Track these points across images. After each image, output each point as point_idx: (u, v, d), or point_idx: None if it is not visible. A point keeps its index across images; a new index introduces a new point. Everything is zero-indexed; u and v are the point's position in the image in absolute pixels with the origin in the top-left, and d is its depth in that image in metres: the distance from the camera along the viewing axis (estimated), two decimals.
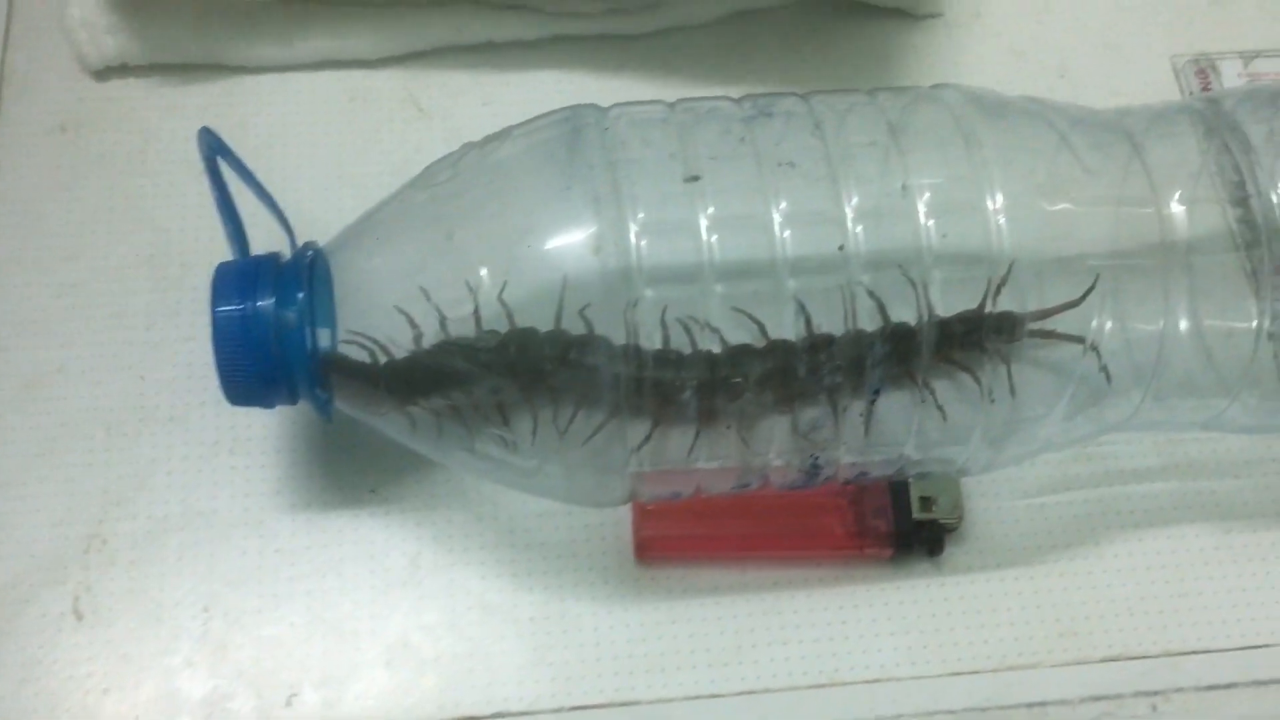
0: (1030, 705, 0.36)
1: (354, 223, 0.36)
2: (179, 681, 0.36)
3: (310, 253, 0.35)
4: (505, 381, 0.33)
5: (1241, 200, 0.37)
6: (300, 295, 0.34)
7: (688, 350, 0.33)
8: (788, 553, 0.39)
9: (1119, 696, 0.37)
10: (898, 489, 0.38)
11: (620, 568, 0.38)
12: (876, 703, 0.36)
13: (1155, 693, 0.37)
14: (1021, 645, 0.37)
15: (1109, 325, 0.35)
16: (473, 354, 0.33)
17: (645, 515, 0.38)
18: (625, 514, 0.38)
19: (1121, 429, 0.37)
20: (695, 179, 0.33)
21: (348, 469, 0.39)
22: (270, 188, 0.38)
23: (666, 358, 0.33)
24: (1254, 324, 0.36)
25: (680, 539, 0.39)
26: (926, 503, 0.38)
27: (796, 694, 0.36)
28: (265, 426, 0.39)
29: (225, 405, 0.35)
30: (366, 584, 0.37)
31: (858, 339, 0.33)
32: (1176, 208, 0.35)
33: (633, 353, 0.33)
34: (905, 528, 0.38)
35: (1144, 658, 0.37)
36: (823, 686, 0.37)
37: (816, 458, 0.35)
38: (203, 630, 0.37)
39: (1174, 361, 0.36)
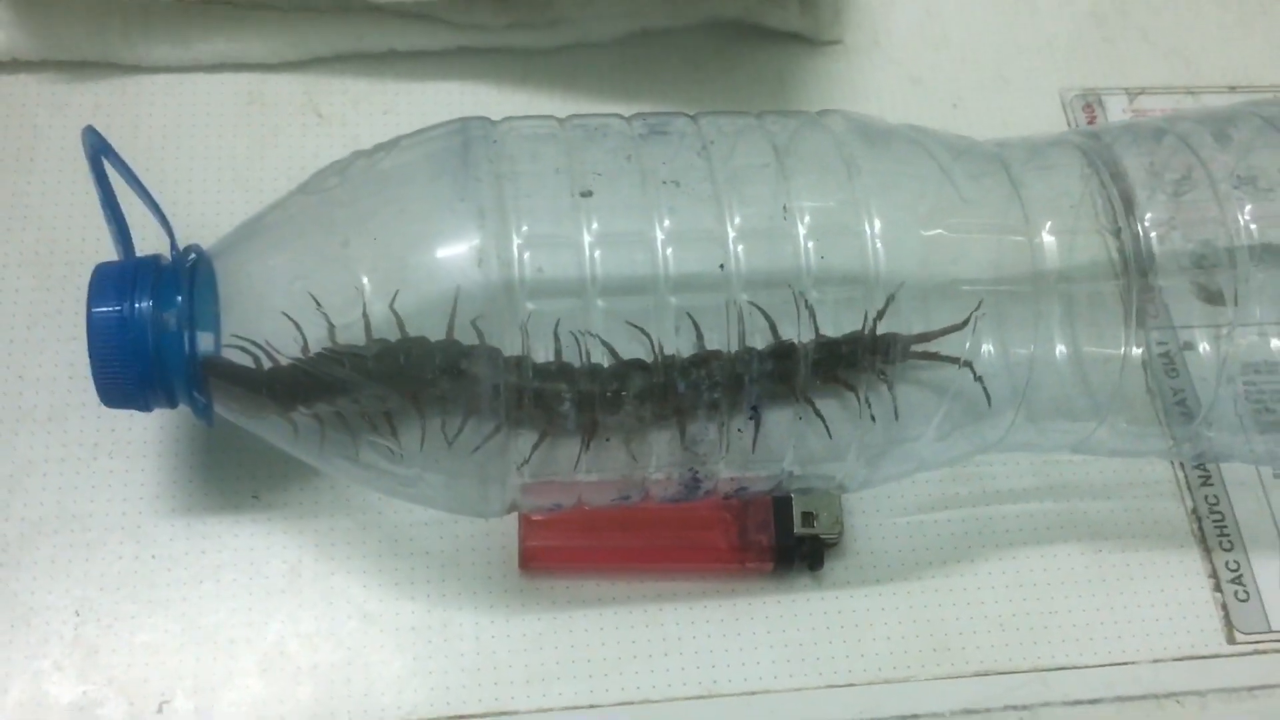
0: (903, 718, 0.37)
1: (240, 226, 0.36)
2: (47, 686, 0.35)
3: (193, 255, 0.35)
4: (392, 390, 0.33)
5: (1116, 231, 0.39)
6: (179, 298, 0.34)
7: (578, 364, 0.33)
8: (671, 565, 0.39)
9: (988, 710, 0.38)
10: (780, 504, 0.38)
11: (504, 578, 0.38)
12: (754, 714, 0.37)
13: (1024, 707, 0.38)
14: (896, 659, 0.38)
15: (990, 349, 0.36)
16: (360, 361, 0.33)
17: (531, 526, 0.38)
18: (510, 525, 0.38)
19: (997, 449, 0.38)
20: (588, 194, 0.34)
21: (229, 474, 0.39)
22: (162, 189, 0.37)
23: (549, 370, 0.33)
24: (1122, 350, 0.37)
25: (565, 550, 0.39)
26: (808, 518, 0.38)
27: (675, 705, 0.37)
28: (146, 429, 0.39)
29: (106, 407, 0.34)
30: (244, 591, 0.37)
31: (739, 356, 0.34)
32: (1048, 237, 0.36)
33: (516, 365, 0.33)
34: (787, 542, 0.38)
35: (1014, 672, 0.38)
36: (702, 698, 0.37)
37: (696, 471, 0.35)
38: (74, 635, 0.36)
39: (1046, 384, 0.37)
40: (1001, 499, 0.41)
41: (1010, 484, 0.41)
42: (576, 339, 0.33)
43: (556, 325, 0.33)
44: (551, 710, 0.36)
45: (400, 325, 0.33)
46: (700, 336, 0.33)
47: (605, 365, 0.33)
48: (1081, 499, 0.41)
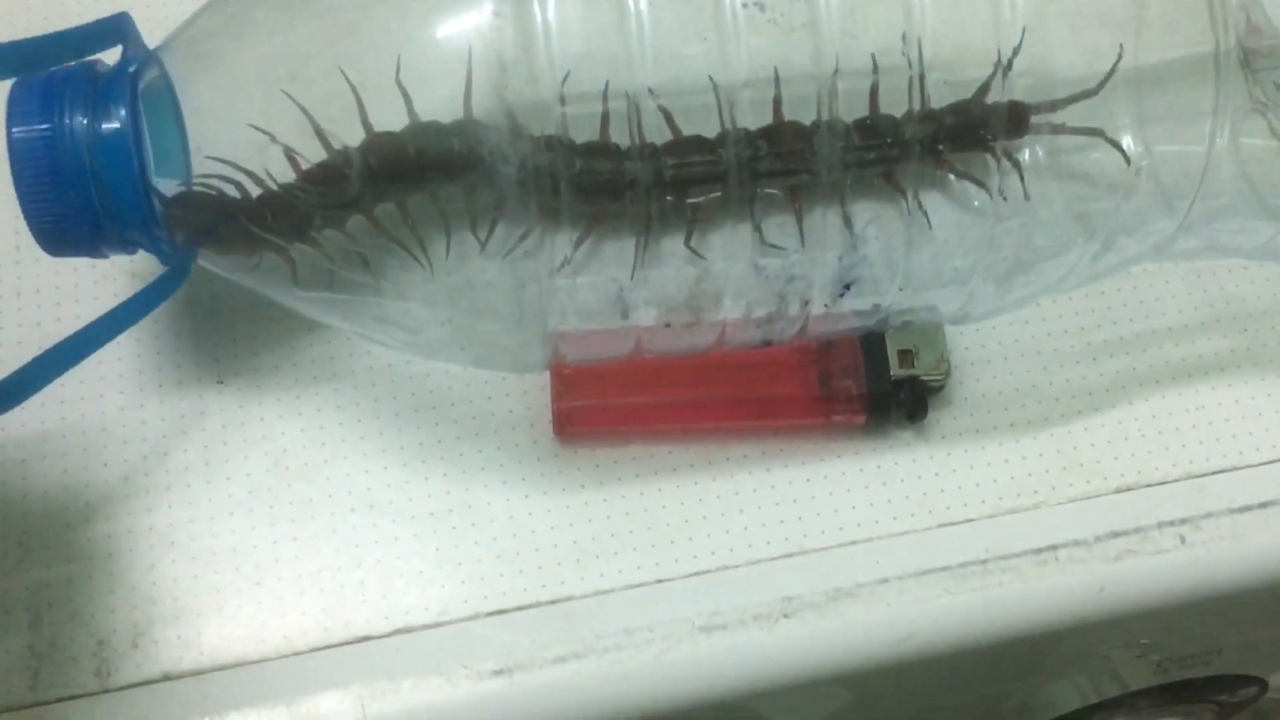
0: (1038, 550, 0.30)
1: (194, 17, 0.29)
2: None
3: (138, 58, 0.28)
4: (404, 191, 0.27)
5: None
6: (122, 110, 0.27)
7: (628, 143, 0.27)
8: (737, 424, 0.32)
9: (1140, 530, 0.31)
10: (870, 342, 0.31)
11: (536, 446, 0.31)
12: (857, 567, 0.30)
13: (1181, 521, 0.31)
14: (1020, 485, 0.31)
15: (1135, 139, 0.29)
16: (364, 162, 0.27)
17: (565, 383, 0.31)
18: (539, 388, 0.32)
19: (1151, 259, 0.31)
20: None
21: (188, 360, 0.32)
22: None
23: (592, 148, 0.27)
24: None
25: (607, 410, 0.32)
26: (905, 357, 0.31)
27: (759, 568, 0.30)
28: (79, 320, 0.32)
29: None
30: (221, 494, 0.30)
31: (827, 127, 0.27)
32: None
33: (551, 145, 0.26)
34: (881, 389, 0.31)
35: (1163, 483, 0.31)
36: (791, 556, 0.30)
37: (783, 298, 0.29)
38: (19, 563, 0.29)
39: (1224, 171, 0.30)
40: (1135, 305, 0.34)
41: (1147, 293, 0.34)
42: (632, 106, 0.27)
43: (605, 88, 0.26)
44: (612, 590, 0.30)
45: (409, 105, 0.27)
46: (779, 105, 0.27)
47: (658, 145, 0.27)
48: (1223, 291, 0.34)
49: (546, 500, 0.31)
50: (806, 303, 0.29)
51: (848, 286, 0.29)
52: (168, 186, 0.28)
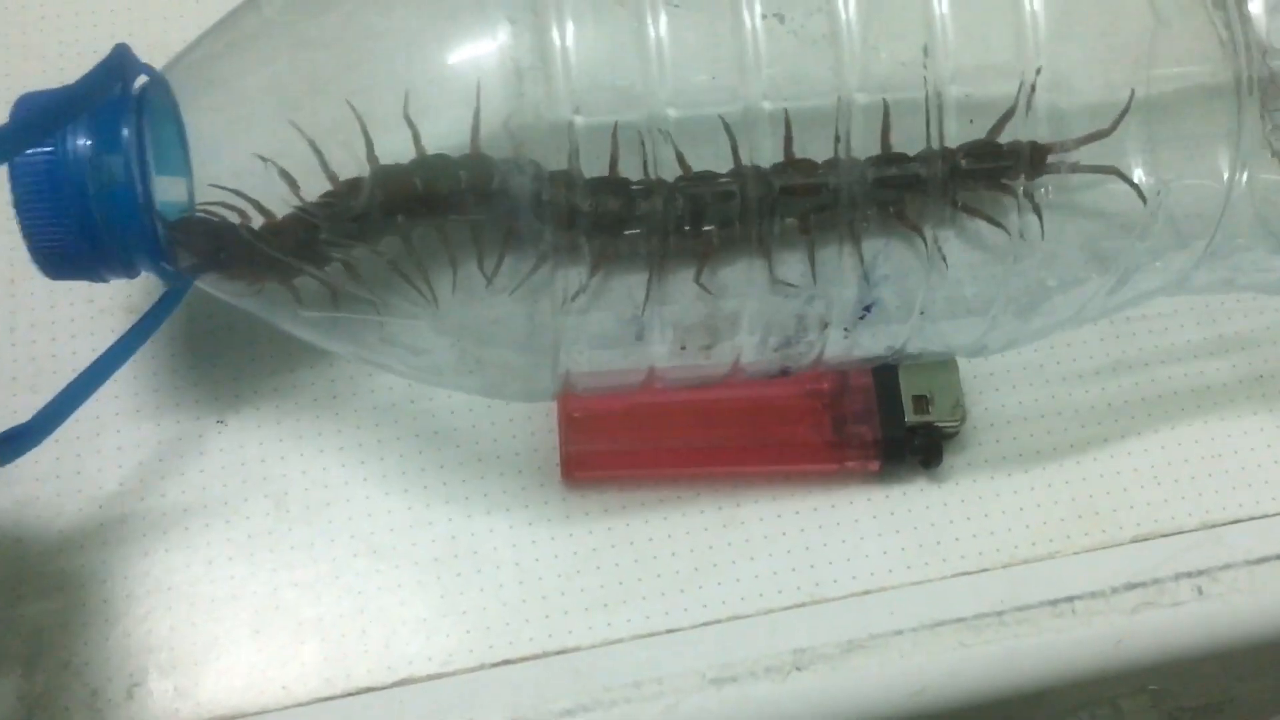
0: (1054, 602, 0.30)
1: (202, 39, 0.28)
2: None
3: (144, 78, 0.27)
4: (411, 222, 0.27)
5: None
6: (125, 131, 0.26)
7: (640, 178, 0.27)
8: (749, 469, 0.32)
9: (1157, 582, 0.30)
10: (884, 387, 0.31)
11: (544, 490, 0.31)
12: (870, 617, 0.29)
13: (1199, 572, 0.30)
14: (1035, 534, 0.31)
15: (1168, 167, 0.29)
16: (370, 194, 0.26)
17: (574, 426, 0.31)
18: (547, 427, 0.31)
19: (1168, 293, 0.31)
20: None
21: (186, 399, 0.31)
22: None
23: (602, 184, 0.26)
24: None
25: (616, 454, 0.31)
26: (920, 403, 0.31)
27: (771, 618, 0.29)
28: (76, 355, 0.31)
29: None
30: (220, 538, 0.29)
31: (844, 166, 0.27)
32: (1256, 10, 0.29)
33: (563, 180, 0.26)
34: (895, 434, 0.31)
35: (1180, 533, 0.31)
36: (803, 605, 0.30)
37: (801, 325, 0.28)
38: (10, 609, 0.29)
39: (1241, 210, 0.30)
40: (1151, 352, 0.33)
41: (1160, 334, 0.34)
42: (644, 142, 0.26)
43: (615, 128, 0.26)
44: (621, 641, 0.29)
45: (416, 138, 0.26)
46: (790, 144, 0.26)
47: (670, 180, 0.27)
48: (1236, 332, 0.34)
49: (554, 546, 0.30)
50: (826, 325, 0.29)
51: (868, 309, 0.29)
52: (173, 209, 0.27)
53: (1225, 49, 0.29)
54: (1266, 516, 0.31)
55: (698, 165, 0.27)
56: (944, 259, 0.28)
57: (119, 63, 0.27)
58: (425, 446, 0.31)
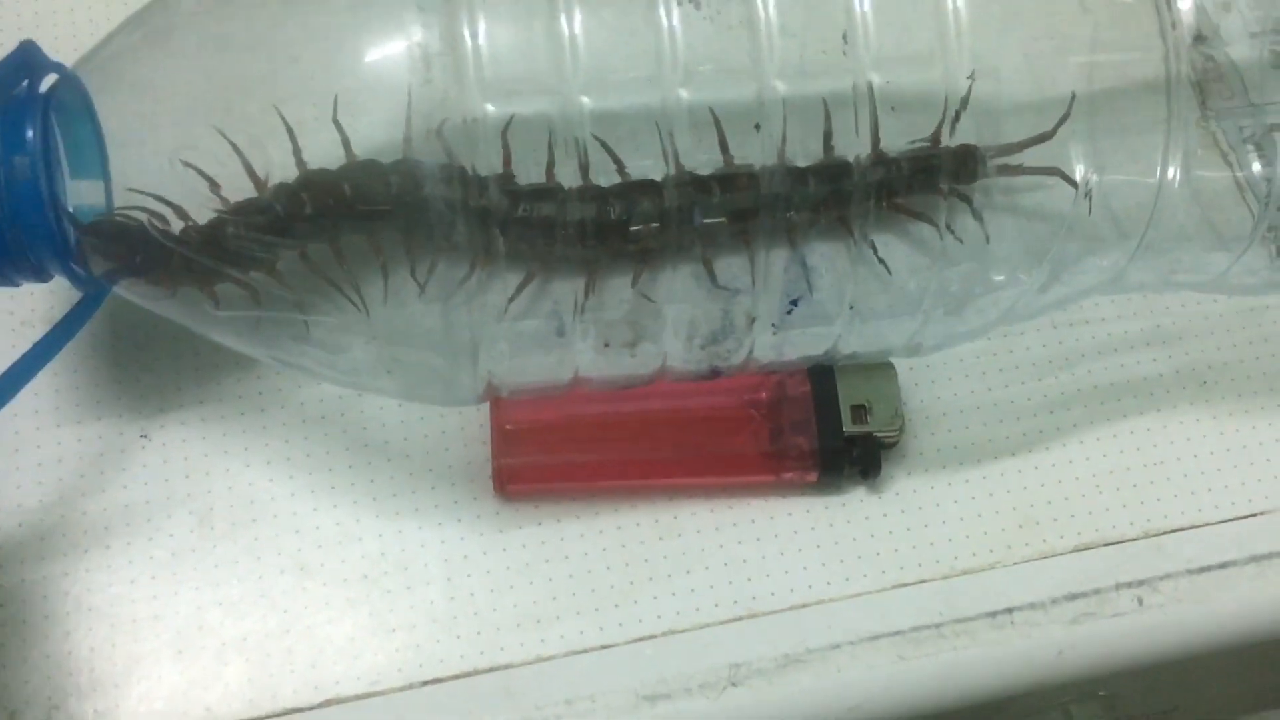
0: (994, 614, 0.30)
1: (115, 35, 0.27)
2: None
3: (55, 77, 0.27)
4: (339, 230, 0.26)
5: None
6: (30, 133, 0.25)
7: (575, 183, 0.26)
8: (685, 481, 0.31)
9: (1098, 592, 0.30)
10: (822, 397, 0.30)
11: (476, 504, 0.30)
12: (807, 631, 0.29)
13: (1139, 582, 0.30)
14: (975, 544, 0.30)
15: (1104, 168, 0.28)
16: (296, 200, 0.26)
17: (506, 438, 0.30)
18: (480, 440, 0.31)
19: (1105, 292, 0.31)
20: None
21: (109, 411, 0.30)
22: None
23: (534, 191, 0.26)
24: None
25: (550, 467, 0.31)
26: (859, 413, 0.30)
27: (706, 632, 0.29)
28: None
29: None
30: (143, 555, 0.29)
31: (776, 173, 0.26)
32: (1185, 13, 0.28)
33: (493, 184, 0.26)
34: (833, 444, 0.30)
35: (1121, 542, 0.31)
36: (739, 619, 0.29)
37: (729, 326, 0.28)
38: None
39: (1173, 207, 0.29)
40: (1093, 354, 0.33)
41: (1102, 336, 0.33)
42: (578, 147, 0.26)
43: (550, 135, 0.25)
44: (553, 657, 0.29)
45: (346, 144, 0.26)
46: (725, 146, 0.26)
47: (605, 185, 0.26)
48: (1181, 339, 0.34)
49: (485, 561, 0.30)
50: (752, 321, 0.28)
51: (794, 303, 0.29)
52: (91, 214, 0.26)
53: (1164, 39, 0.29)
54: (1208, 525, 0.31)
55: (627, 160, 0.26)
56: (876, 253, 0.28)
57: (24, 60, 0.26)
58: (355, 460, 0.30)
